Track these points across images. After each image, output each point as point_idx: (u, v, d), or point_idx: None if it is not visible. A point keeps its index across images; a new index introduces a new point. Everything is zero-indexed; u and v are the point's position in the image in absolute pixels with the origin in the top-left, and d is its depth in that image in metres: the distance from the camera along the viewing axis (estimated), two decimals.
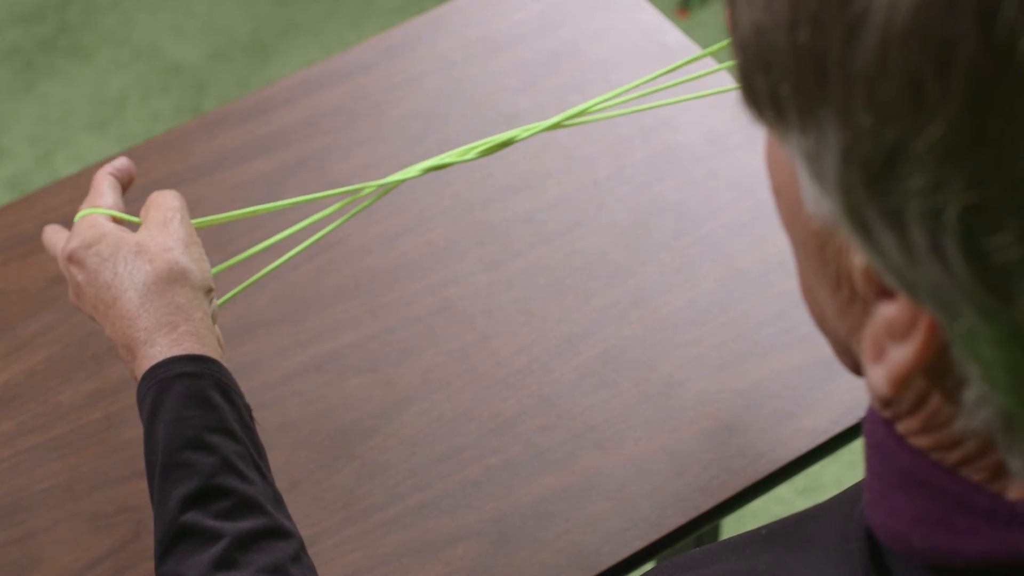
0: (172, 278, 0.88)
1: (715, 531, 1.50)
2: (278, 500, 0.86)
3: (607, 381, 1.14)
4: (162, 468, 0.84)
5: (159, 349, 0.86)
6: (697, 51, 1.37)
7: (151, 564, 1.05)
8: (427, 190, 1.26)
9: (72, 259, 0.91)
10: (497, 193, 1.26)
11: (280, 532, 0.84)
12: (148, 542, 1.06)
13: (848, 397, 1.12)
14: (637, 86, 0.99)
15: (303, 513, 1.07)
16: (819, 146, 0.46)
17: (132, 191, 1.27)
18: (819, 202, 0.48)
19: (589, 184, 1.27)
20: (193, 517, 0.82)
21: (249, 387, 1.15)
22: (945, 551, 0.51)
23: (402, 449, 1.10)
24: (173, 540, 0.83)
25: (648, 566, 1.37)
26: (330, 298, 1.20)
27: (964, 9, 0.41)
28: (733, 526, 1.94)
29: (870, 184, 0.45)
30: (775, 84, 0.47)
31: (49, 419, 1.13)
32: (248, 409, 0.88)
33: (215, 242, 1.24)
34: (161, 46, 2.55)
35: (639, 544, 1.05)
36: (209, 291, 0.91)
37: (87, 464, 1.10)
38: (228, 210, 1.25)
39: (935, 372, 0.49)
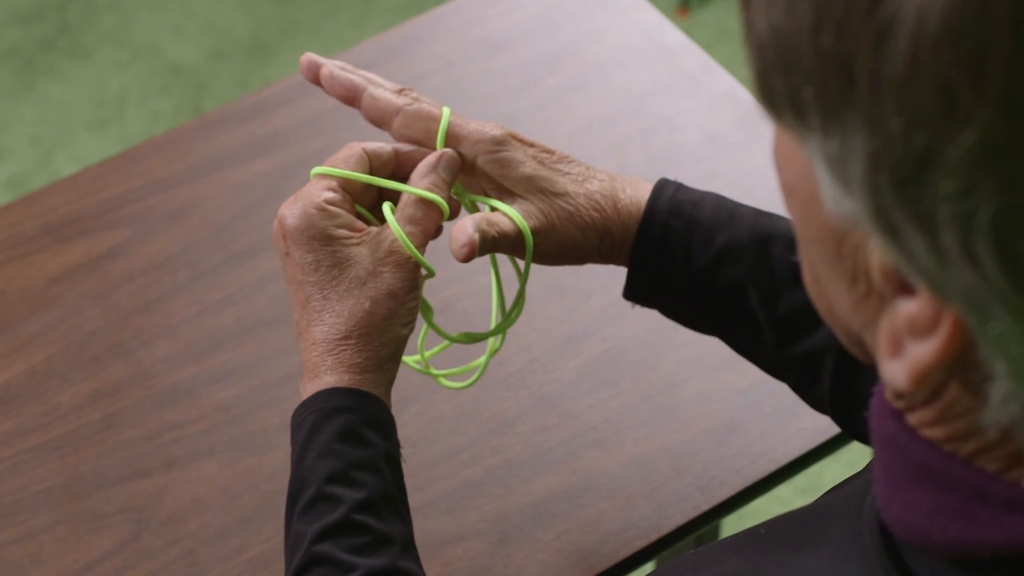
0: (379, 329, 0.85)
1: (715, 531, 1.50)
2: (411, 542, 0.85)
3: (607, 381, 1.14)
4: (307, 498, 0.83)
5: (329, 378, 0.85)
6: (697, 51, 1.37)
7: (151, 564, 1.05)
8: None
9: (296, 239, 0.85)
10: None
11: (408, 575, 0.83)
12: (148, 542, 1.06)
13: None
14: None
15: None
16: (844, 150, 0.45)
17: (129, 192, 1.27)
18: (840, 202, 0.47)
19: None
20: (327, 548, 0.82)
21: (249, 387, 1.14)
22: (966, 543, 0.51)
23: (402, 449, 1.10)
24: (304, 567, 0.82)
25: (648, 566, 1.37)
26: None
27: (997, 15, 0.40)
28: (733, 526, 1.94)
29: (899, 188, 0.44)
30: (796, 88, 0.46)
31: (49, 419, 1.13)
32: (398, 446, 0.87)
33: (215, 243, 1.23)
34: (161, 46, 2.55)
35: (639, 544, 1.05)
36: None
37: (87, 464, 1.10)
38: (229, 210, 1.25)
39: (957, 366, 0.48)
